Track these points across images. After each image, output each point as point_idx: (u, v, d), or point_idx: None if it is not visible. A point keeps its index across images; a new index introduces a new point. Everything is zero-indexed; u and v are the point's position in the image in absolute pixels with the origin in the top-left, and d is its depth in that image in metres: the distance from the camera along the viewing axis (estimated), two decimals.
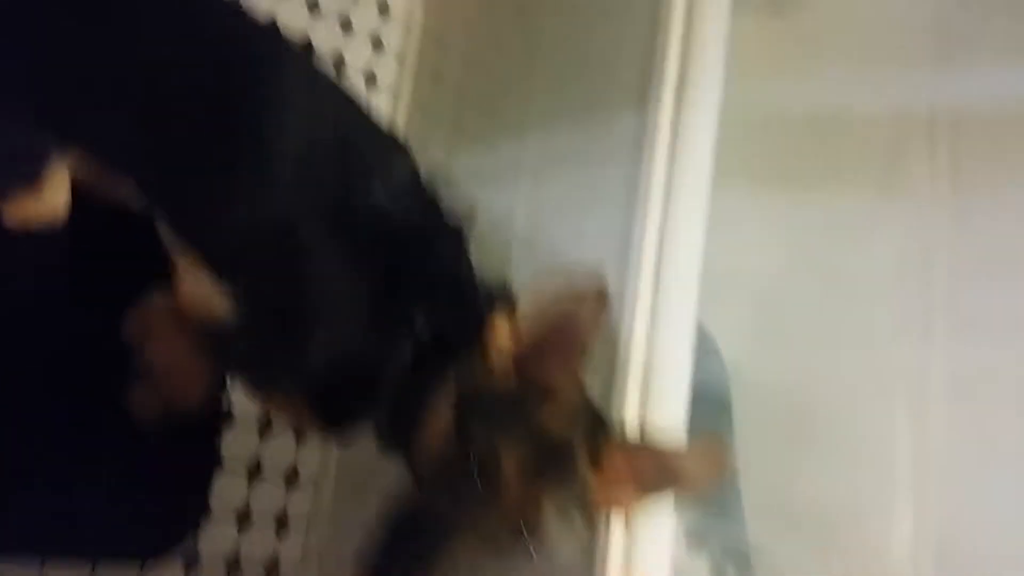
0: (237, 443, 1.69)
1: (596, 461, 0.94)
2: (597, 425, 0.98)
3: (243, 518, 1.68)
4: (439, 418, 0.93)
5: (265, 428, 1.73)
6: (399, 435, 0.98)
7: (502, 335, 0.93)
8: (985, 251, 1.35)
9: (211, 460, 1.65)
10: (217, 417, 1.67)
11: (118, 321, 1.44)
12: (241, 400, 1.69)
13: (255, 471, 1.71)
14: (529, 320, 0.93)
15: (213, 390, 1.65)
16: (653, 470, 0.96)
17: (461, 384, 0.94)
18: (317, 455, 1.79)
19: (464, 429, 0.91)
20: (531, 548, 0.90)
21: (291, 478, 1.77)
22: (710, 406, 1.36)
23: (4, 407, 1.39)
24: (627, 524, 0.99)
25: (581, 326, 0.91)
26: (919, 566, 1.49)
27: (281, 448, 1.76)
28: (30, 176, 1.12)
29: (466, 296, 1.01)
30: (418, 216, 1.02)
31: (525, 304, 0.95)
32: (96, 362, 1.47)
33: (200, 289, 1.04)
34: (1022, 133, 1.36)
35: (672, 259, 1.16)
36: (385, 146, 1.07)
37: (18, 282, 1.41)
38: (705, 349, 1.25)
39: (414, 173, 1.05)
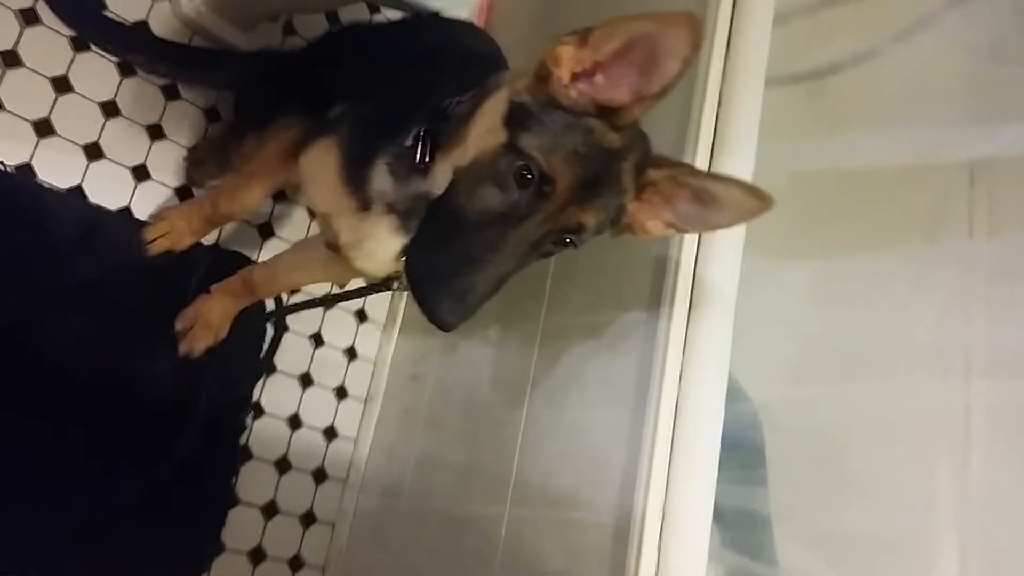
0: (255, 481, 1.67)
1: (641, 181, 1.00)
2: (647, 151, 1.01)
3: (258, 556, 1.66)
4: (487, 118, 0.97)
5: (284, 465, 1.71)
6: (442, 136, 1.03)
7: (564, 52, 0.92)
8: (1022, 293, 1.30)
9: (226, 499, 1.63)
10: (234, 457, 1.66)
11: (143, 364, 1.50)
12: (260, 441, 1.68)
13: (271, 510, 1.69)
14: (606, 34, 0.90)
15: (232, 435, 1.65)
16: (693, 198, 1.01)
17: (514, 93, 0.97)
18: (335, 496, 1.77)
19: (515, 136, 0.93)
20: (573, 243, 0.97)
21: (308, 518, 1.74)
22: (742, 451, 1.31)
23: (33, 445, 1.38)
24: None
25: (663, 51, 0.86)
26: None
27: (298, 487, 1.73)
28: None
29: None
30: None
31: (605, 21, 0.90)
32: (120, 402, 1.46)
33: None
34: None
35: (704, 314, 1.12)
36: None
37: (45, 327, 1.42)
38: (734, 398, 1.20)
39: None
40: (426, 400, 1.71)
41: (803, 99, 1.44)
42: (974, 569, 1.42)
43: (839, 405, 1.38)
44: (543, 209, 0.92)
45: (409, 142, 1.07)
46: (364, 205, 1.13)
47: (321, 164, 1.19)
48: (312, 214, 1.75)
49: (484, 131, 0.97)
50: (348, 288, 1.59)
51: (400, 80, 1.26)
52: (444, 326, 0.91)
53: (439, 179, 1.00)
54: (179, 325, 1.51)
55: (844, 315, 1.32)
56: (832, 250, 1.34)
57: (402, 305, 1.90)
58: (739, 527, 1.31)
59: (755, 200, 0.97)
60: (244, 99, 1.64)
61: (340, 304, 1.83)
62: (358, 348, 1.86)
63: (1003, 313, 1.30)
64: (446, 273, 0.90)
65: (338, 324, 1.83)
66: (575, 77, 0.93)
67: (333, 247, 1.24)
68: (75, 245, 1.47)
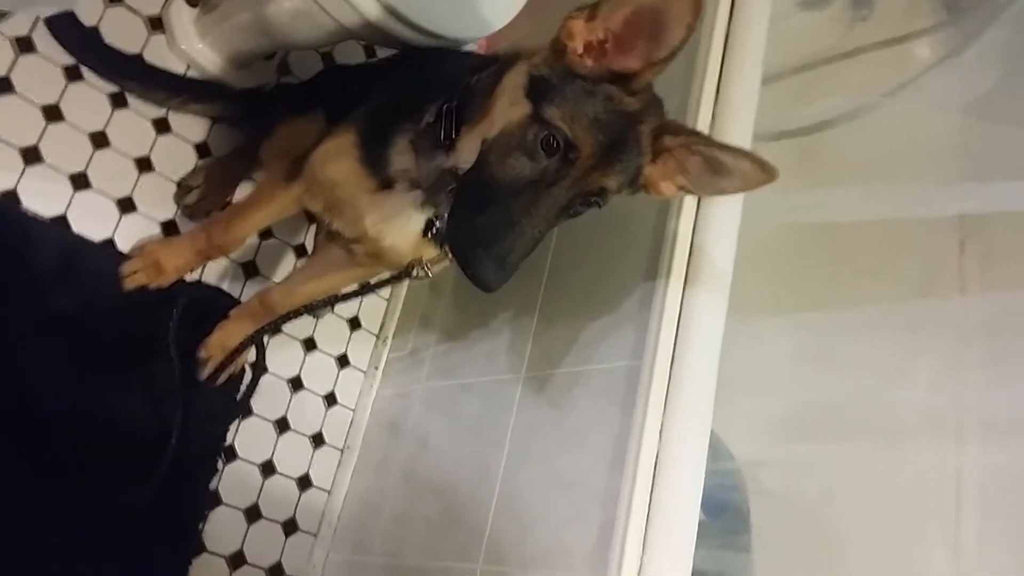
0: (223, 529, 1.59)
1: (657, 145, 1.05)
2: (663, 115, 1.07)
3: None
4: (509, 92, 1.04)
5: (253, 513, 1.65)
6: (467, 111, 1.10)
7: (575, 25, 0.99)
8: (1017, 351, 1.27)
9: (192, 546, 1.55)
10: (203, 503, 1.58)
11: (113, 400, 1.45)
12: (230, 486, 1.61)
13: (238, 560, 1.62)
14: (612, 7, 0.97)
15: (202, 478, 1.59)
16: (705, 164, 1.06)
17: (533, 67, 1.03)
18: (305, 549, 1.70)
19: (539, 107, 0.99)
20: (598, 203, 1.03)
21: (276, 571, 1.67)
22: (725, 515, 1.26)
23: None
24: None
25: (668, 19, 0.93)
26: None
27: (268, 538, 1.66)
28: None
29: None
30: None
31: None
32: (82, 439, 1.41)
33: None
34: None
35: (688, 361, 1.09)
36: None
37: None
38: (717, 455, 1.15)
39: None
40: (403, 450, 1.66)
41: (793, 154, 1.44)
42: None
43: (826, 468, 1.33)
44: (570, 175, 0.99)
45: (431, 119, 1.15)
46: (386, 184, 1.19)
47: (337, 152, 1.24)
48: (315, 223, 1.74)
49: (508, 104, 1.03)
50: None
51: (410, 71, 1.35)
52: (488, 287, 0.97)
53: (465, 153, 1.07)
54: (202, 353, 1.50)
55: (832, 373, 1.29)
56: (820, 305, 1.32)
57: (385, 351, 1.86)
58: None
59: (762, 172, 1.03)
60: (251, 118, 1.65)
61: (320, 348, 1.80)
62: (338, 394, 1.82)
63: (996, 374, 1.26)
64: (487, 238, 0.96)
65: (318, 369, 1.79)
66: (588, 48, 1.00)
67: (351, 242, 1.30)
68: (54, 274, 1.44)
